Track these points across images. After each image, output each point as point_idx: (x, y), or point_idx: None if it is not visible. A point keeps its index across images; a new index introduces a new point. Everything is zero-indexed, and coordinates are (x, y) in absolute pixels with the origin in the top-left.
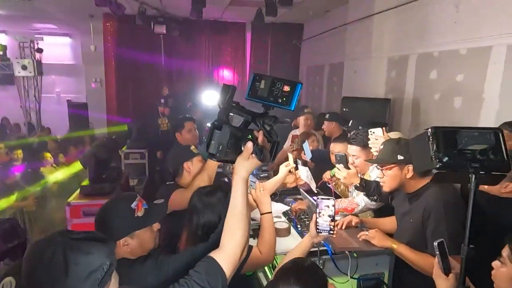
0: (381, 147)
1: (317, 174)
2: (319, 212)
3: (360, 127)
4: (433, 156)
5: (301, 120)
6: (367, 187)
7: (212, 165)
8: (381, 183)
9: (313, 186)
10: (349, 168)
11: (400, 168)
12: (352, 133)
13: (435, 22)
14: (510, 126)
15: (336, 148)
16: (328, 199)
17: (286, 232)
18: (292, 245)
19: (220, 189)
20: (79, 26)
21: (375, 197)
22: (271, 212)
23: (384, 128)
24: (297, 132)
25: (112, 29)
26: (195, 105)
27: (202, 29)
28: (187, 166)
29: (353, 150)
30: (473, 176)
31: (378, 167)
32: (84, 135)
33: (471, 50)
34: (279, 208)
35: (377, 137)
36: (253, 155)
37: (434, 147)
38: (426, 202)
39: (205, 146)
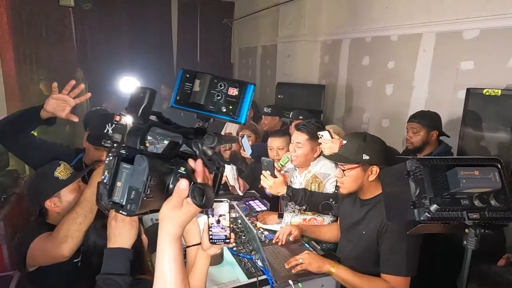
0: (345, 142)
1: (258, 173)
2: (212, 219)
3: (300, 117)
4: (416, 203)
5: None
6: (294, 196)
7: (92, 196)
8: (338, 184)
9: (237, 187)
10: (275, 176)
11: (364, 169)
12: (305, 121)
13: (367, 7)
14: (414, 117)
15: (274, 143)
16: (221, 201)
17: (218, 258)
18: (228, 276)
19: None
20: None
21: (304, 207)
22: (200, 243)
23: (330, 130)
24: (233, 127)
25: None
26: (111, 93)
27: (119, 3)
28: (51, 205)
29: (299, 137)
30: (473, 231)
31: (339, 165)
32: None
33: (402, 37)
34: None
35: (326, 140)
36: (189, 199)
37: (418, 190)
38: (384, 214)
39: (106, 193)
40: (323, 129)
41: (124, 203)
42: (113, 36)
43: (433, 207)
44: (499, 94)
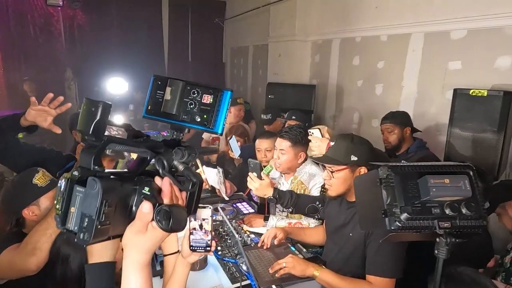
0: (332, 143)
1: (246, 174)
2: (195, 223)
3: (293, 117)
4: (387, 211)
5: (233, 110)
6: (281, 199)
7: None
8: (326, 186)
9: (223, 191)
10: (261, 178)
11: (352, 170)
12: (285, 127)
13: (357, 6)
14: (386, 118)
15: (262, 145)
16: (204, 207)
17: (202, 263)
18: (211, 281)
19: None
20: None
21: (290, 209)
22: (178, 251)
23: (319, 129)
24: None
25: None
26: (100, 93)
27: (109, 3)
28: (29, 213)
29: (282, 144)
30: (443, 240)
31: (328, 167)
32: None
33: (391, 37)
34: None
35: (315, 139)
36: (154, 223)
37: (389, 198)
38: None
39: (58, 220)
40: (306, 135)
41: (76, 230)
42: (103, 36)
43: (404, 216)
44: (485, 95)
